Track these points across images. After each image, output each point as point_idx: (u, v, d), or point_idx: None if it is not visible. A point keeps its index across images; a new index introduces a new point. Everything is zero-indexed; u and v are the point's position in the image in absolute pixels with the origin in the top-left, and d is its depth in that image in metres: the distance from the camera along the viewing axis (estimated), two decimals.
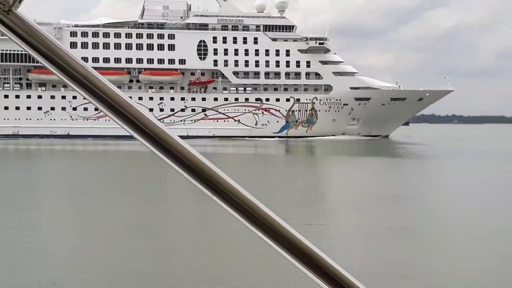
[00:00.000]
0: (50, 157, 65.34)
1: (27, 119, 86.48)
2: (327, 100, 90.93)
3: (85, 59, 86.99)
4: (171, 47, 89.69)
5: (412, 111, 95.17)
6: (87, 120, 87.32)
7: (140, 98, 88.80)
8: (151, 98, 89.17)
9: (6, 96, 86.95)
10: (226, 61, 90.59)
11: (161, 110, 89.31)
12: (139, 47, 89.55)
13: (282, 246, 1.08)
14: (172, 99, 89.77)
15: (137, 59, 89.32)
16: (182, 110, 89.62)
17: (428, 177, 43.08)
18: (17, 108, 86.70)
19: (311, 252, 1.09)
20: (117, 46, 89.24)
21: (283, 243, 1.08)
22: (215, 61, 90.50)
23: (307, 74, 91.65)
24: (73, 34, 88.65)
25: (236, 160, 62.87)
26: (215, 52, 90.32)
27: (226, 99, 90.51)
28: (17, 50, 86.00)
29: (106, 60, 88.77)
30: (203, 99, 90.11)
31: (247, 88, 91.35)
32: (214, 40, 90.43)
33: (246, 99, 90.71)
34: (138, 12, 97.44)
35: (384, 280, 14.67)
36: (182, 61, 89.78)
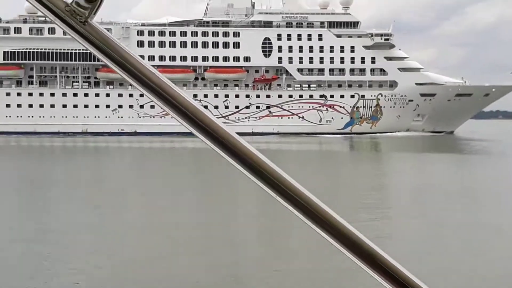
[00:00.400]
0: (118, 154, 66.39)
1: (95, 117, 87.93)
2: (392, 96, 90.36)
3: (151, 57, 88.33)
4: (236, 45, 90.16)
5: (478, 107, 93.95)
6: (153, 117, 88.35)
7: (206, 96, 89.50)
8: (216, 96, 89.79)
9: (75, 95, 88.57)
10: (290, 58, 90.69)
11: (226, 107, 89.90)
12: (205, 45, 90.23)
13: (345, 246, 1.11)
14: (237, 96, 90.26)
15: (202, 57, 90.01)
16: (247, 107, 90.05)
17: (492, 172, 42.50)
18: (86, 106, 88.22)
19: (375, 253, 1.12)
20: (183, 44, 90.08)
21: (346, 243, 1.11)
22: (280, 58, 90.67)
23: (372, 70, 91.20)
24: (140, 33, 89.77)
25: (300, 157, 62.89)
26: (280, 49, 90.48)
27: (290, 96, 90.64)
28: (85, 49, 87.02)
29: (172, 58, 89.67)
30: (268, 96, 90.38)
31: (311, 85, 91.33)
32: (279, 37, 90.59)
33: (311, 96, 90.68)
34: (182, 10, 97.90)
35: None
36: (247, 59, 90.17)
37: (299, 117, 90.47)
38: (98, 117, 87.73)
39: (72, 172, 41.61)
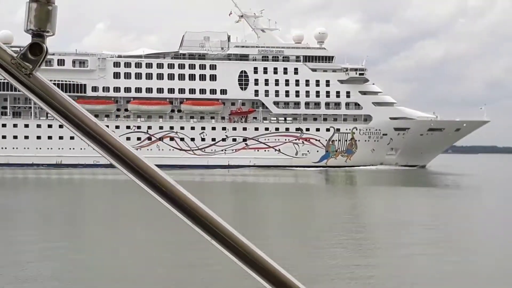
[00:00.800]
0: (93, 186, 65.54)
1: (70, 148, 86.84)
2: (367, 130, 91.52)
3: (128, 89, 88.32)
4: (213, 77, 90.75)
5: (449, 141, 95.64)
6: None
7: (182, 128, 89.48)
8: (192, 128, 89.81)
9: (49, 126, 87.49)
10: (267, 91, 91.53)
11: (203, 139, 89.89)
12: (181, 77, 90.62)
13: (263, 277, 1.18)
14: (214, 128, 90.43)
15: (179, 89, 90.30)
16: (223, 139, 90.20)
17: (464, 205, 43.22)
18: (61, 137, 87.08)
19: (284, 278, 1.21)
20: (160, 76, 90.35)
21: (265, 275, 1.18)
22: (256, 91, 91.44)
23: (347, 104, 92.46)
24: (116, 64, 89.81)
25: (277, 189, 63.23)
26: (256, 82, 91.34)
27: (266, 129, 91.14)
28: (61, 80, 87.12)
29: (149, 90, 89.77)
30: (244, 128, 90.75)
31: (287, 118, 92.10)
32: (255, 70, 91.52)
33: (287, 129, 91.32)
34: (132, 42, 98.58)
35: None
36: (223, 91, 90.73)
37: (275, 150, 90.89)
38: (73, 148, 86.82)
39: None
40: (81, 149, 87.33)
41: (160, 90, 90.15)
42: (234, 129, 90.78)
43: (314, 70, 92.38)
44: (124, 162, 1.14)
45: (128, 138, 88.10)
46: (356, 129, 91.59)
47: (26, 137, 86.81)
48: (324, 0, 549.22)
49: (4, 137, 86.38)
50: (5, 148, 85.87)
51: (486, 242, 26.42)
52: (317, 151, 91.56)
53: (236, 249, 1.18)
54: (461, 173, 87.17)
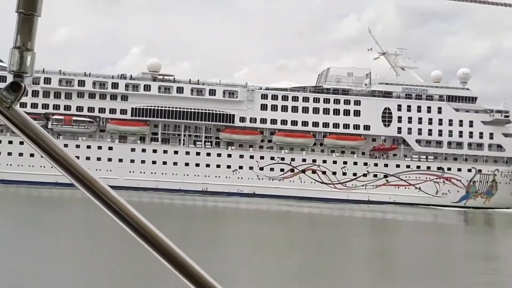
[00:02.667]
0: (235, 217, 66.73)
1: (216, 176, 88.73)
2: (509, 172, 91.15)
3: (274, 121, 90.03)
4: (357, 113, 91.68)
5: None
6: (272, 180, 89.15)
7: (324, 161, 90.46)
8: (334, 162, 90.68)
9: (197, 154, 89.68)
10: (409, 129, 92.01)
11: (344, 173, 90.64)
12: (326, 111, 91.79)
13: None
14: (355, 163, 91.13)
15: (323, 123, 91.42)
16: (365, 175, 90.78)
17: None
18: (207, 165, 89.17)
19: None
20: (305, 110, 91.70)
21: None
22: (399, 129, 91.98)
23: (489, 145, 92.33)
24: (264, 96, 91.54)
25: (416, 228, 63.36)
26: (399, 119, 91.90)
27: (408, 166, 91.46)
28: (209, 110, 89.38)
29: (294, 123, 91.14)
30: (386, 165, 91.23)
31: (428, 156, 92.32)
32: (399, 107, 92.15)
33: (428, 167, 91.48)
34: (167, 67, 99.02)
35: None
36: (366, 127, 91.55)
37: (416, 187, 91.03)
38: (219, 177, 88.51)
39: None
40: (226, 177, 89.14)
41: (304, 123, 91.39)
42: (376, 165, 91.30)
43: (457, 110, 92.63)
44: (84, 183, 1.38)
45: (271, 169, 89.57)
46: (498, 171, 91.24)
47: (175, 163, 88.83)
48: None
49: (154, 162, 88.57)
50: (154, 173, 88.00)
51: None
52: (458, 191, 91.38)
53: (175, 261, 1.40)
54: None
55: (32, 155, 79.36)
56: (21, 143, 79.68)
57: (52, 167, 1.36)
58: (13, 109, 1.42)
